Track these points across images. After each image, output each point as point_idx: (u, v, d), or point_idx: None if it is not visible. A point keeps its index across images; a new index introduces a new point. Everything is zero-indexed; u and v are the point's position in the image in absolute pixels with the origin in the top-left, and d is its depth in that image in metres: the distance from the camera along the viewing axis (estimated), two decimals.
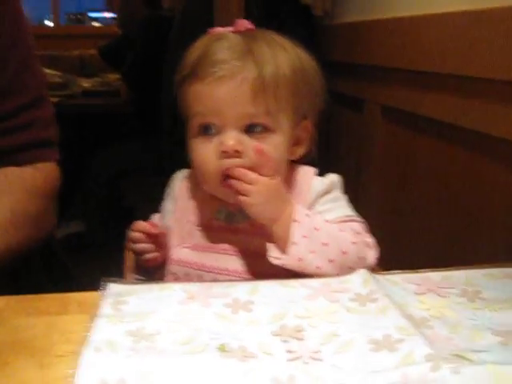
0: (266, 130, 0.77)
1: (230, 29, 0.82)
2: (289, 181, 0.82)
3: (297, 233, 0.74)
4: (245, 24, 0.82)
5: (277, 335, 0.57)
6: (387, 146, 1.69)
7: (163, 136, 2.17)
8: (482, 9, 1.12)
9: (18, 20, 0.94)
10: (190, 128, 0.81)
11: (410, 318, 0.60)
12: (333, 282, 0.69)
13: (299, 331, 0.57)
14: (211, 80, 0.76)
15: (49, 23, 5.64)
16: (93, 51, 3.38)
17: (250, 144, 0.76)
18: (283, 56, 0.79)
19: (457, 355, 0.52)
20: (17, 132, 0.91)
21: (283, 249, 0.74)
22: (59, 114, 1.00)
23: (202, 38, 0.81)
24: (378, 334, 0.56)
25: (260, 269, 0.78)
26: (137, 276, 0.87)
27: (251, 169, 0.76)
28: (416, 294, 0.67)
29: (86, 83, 3.14)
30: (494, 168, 1.16)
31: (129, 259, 0.90)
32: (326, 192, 0.83)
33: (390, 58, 1.62)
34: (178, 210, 0.87)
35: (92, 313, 0.61)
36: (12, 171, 0.90)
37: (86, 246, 2.45)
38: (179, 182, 0.90)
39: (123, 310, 0.62)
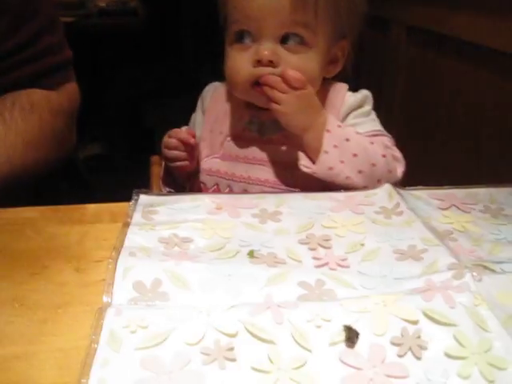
0: (303, 43, 0.76)
1: None
2: (322, 95, 0.82)
3: (328, 142, 0.75)
4: None
5: (304, 243, 0.59)
6: (412, 68, 1.66)
7: (183, 57, 2.15)
8: None
9: None
10: (227, 36, 0.80)
11: (433, 230, 0.61)
12: (358, 195, 0.70)
13: (326, 240, 0.59)
14: None
15: None
16: None
17: (284, 57, 0.75)
18: None
19: (479, 265, 0.54)
20: (36, 60, 0.90)
21: (314, 158, 0.75)
22: (76, 34, 0.99)
23: None
24: (403, 244, 0.58)
25: (291, 179, 0.80)
26: (167, 188, 0.88)
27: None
28: (440, 208, 0.68)
29: (101, 2, 3.08)
30: None
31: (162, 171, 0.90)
32: (359, 106, 0.83)
33: None
34: (208, 122, 0.88)
35: (124, 221, 0.63)
36: (37, 92, 0.90)
37: (105, 167, 2.47)
38: (210, 95, 0.90)
39: (154, 218, 0.63)
